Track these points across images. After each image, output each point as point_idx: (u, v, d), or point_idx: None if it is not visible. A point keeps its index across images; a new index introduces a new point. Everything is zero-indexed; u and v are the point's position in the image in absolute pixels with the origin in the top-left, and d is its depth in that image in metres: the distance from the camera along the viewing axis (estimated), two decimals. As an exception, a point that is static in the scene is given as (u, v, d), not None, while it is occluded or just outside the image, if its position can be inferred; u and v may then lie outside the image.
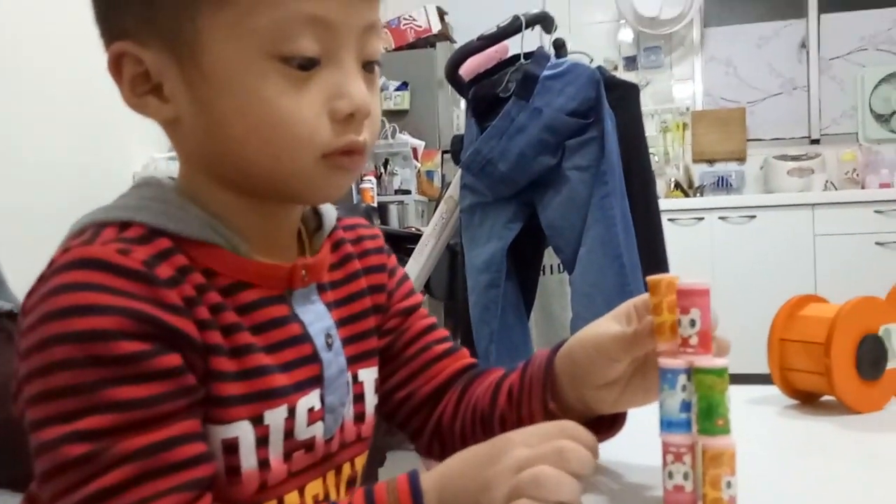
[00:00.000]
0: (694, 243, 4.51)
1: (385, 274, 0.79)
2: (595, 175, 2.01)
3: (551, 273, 2.37)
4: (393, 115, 4.41)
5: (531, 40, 2.19)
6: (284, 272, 0.67)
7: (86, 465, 0.54)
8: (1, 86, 2.72)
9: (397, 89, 4.53)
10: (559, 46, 2.21)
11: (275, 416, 0.64)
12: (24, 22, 2.89)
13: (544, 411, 0.72)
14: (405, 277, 0.83)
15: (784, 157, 4.98)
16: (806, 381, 0.98)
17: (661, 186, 4.90)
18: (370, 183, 3.91)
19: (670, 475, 0.59)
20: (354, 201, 3.71)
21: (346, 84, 0.63)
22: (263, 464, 0.63)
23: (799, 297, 1.01)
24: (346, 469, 0.73)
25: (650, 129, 4.95)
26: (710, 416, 0.57)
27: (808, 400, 0.99)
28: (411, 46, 4.65)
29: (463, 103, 2.55)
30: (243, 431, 0.62)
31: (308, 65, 0.61)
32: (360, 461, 0.75)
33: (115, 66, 0.64)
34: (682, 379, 0.59)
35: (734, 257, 4.50)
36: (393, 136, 4.31)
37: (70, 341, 0.54)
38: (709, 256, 4.51)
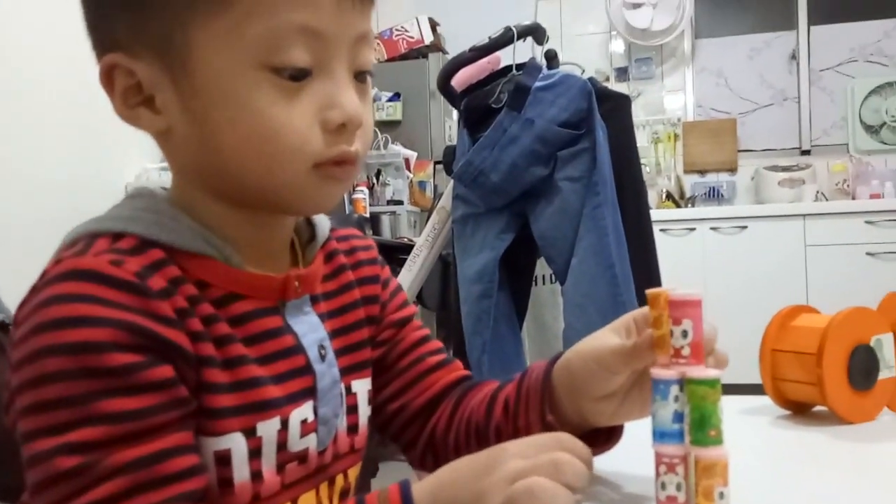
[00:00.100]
0: (685, 254, 4.51)
1: (378, 285, 0.79)
2: (587, 186, 2.02)
3: (543, 283, 2.37)
4: (385, 125, 4.42)
5: (523, 51, 2.20)
6: (277, 283, 0.67)
7: (78, 478, 0.53)
8: (-7, 96, 2.72)
9: (389, 100, 4.54)
10: (551, 58, 2.22)
11: (268, 428, 0.63)
12: (17, 33, 2.89)
13: (542, 423, 0.72)
14: (399, 288, 0.83)
15: (775, 168, 5.00)
16: (798, 391, 0.98)
17: (652, 197, 4.91)
18: (362, 193, 3.90)
19: (663, 486, 0.59)
20: (347, 212, 3.71)
21: (337, 94, 0.63)
22: (256, 476, 0.63)
23: (790, 307, 1.01)
24: (340, 481, 0.72)
25: (642, 139, 4.96)
26: (702, 427, 0.57)
27: (800, 410, 0.99)
28: (403, 57, 4.67)
29: (455, 114, 2.55)
30: (236, 443, 0.61)
31: (300, 75, 0.61)
32: (354, 472, 0.74)
33: (107, 78, 0.64)
34: (674, 390, 0.59)
35: (726, 268, 4.50)
36: (385, 147, 4.31)
37: (62, 353, 0.54)
38: (700, 267, 4.51)
